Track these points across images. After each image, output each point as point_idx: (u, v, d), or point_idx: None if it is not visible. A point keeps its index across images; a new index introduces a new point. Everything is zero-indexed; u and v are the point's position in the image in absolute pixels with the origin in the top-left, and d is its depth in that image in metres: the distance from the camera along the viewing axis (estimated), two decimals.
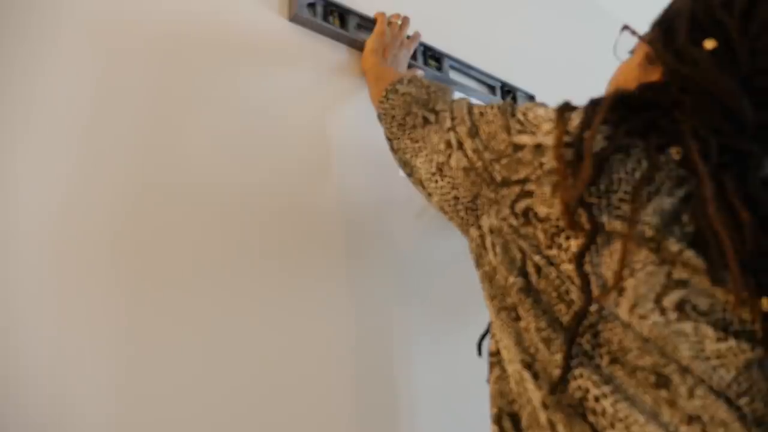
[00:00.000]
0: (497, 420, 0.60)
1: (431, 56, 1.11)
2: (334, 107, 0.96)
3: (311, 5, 0.94)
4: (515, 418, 0.58)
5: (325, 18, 0.95)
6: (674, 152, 0.50)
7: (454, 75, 1.15)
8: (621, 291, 0.48)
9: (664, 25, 0.56)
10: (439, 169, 0.66)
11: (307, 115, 0.92)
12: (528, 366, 0.55)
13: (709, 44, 0.50)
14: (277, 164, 0.86)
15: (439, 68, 1.11)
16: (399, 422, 0.91)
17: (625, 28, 0.64)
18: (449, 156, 0.65)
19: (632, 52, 0.65)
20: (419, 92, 0.77)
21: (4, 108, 0.65)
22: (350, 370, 0.87)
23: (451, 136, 0.65)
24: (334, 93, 0.96)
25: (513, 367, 0.58)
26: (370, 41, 0.98)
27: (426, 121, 0.72)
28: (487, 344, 0.66)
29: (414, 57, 1.06)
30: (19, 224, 0.63)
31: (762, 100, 0.48)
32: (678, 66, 0.52)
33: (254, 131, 0.85)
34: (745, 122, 0.49)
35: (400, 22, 1.01)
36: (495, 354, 0.62)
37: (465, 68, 1.16)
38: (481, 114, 0.64)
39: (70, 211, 0.67)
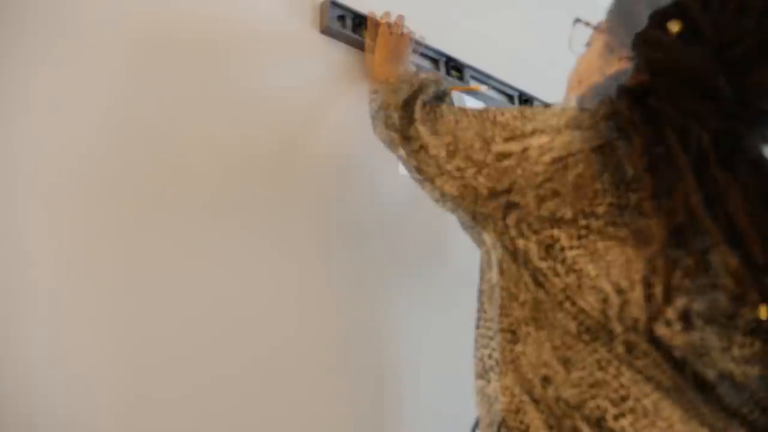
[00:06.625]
0: None
1: (453, 66, 1.16)
2: (360, 114, 1.01)
3: (341, 18, 1.00)
4: None
5: (354, 30, 1.01)
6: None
7: (474, 84, 1.20)
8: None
9: (621, 14, 0.56)
10: (442, 195, 0.66)
11: (330, 121, 0.97)
12: (529, 392, 0.52)
13: (674, 26, 0.49)
14: (296, 162, 0.90)
15: (461, 78, 1.17)
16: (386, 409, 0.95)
17: (578, 21, 0.63)
18: (442, 185, 0.65)
19: (588, 44, 0.63)
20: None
21: (4, 107, 0.65)
22: (341, 352, 0.89)
23: (439, 166, 0.64)
24: (361, 101, 1.01)
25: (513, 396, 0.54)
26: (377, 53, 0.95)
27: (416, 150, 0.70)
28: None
29: (437, 67, 1.12)
30: (18, 222, 0.64)
31: (735, 76, 0.46)
32: (647, 52, 0.51)
33: (275, 137, 0.89)
34: (724, 100, 0.47)
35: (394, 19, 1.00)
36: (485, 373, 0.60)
37: (485, 78, 1.22)
38: (457, 122, 0.63)
39: (68, 208, 0.68)
